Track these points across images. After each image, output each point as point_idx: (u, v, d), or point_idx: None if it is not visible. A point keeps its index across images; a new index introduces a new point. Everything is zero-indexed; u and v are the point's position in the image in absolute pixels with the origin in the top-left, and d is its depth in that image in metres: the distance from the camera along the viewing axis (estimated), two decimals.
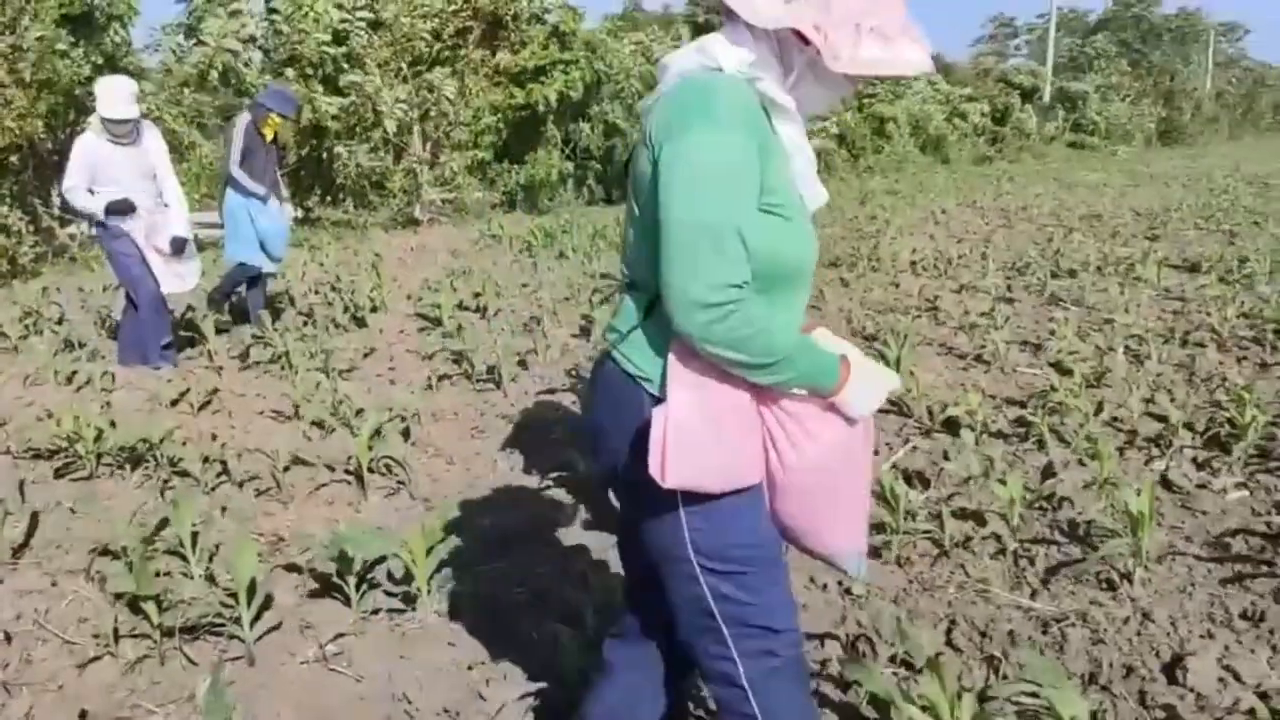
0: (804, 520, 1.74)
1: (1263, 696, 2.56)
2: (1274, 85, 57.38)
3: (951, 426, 4.70)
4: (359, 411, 4.86)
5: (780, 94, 1.60)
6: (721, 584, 1.70)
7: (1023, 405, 5.06)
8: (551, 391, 5.53)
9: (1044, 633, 2.87)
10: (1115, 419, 4.79)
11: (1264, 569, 3.19)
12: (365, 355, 6.42)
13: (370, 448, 4.11)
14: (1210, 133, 43.37)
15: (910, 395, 4.99)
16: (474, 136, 15.51)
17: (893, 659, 2.73)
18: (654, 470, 1.57)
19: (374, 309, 7.70)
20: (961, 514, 3.65)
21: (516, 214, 15.09)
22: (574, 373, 5.77)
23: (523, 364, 6.05)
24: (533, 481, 4.19)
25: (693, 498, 1.64)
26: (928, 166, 24.64)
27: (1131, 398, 4.92)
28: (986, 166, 26.07)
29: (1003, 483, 3.58)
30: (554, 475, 4.19)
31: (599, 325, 6.78)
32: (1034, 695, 2.35)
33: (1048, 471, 4.09)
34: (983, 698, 2.31)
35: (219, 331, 6.87)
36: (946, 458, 4.25)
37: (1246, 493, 3.85)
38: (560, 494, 4.03)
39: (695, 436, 1.59)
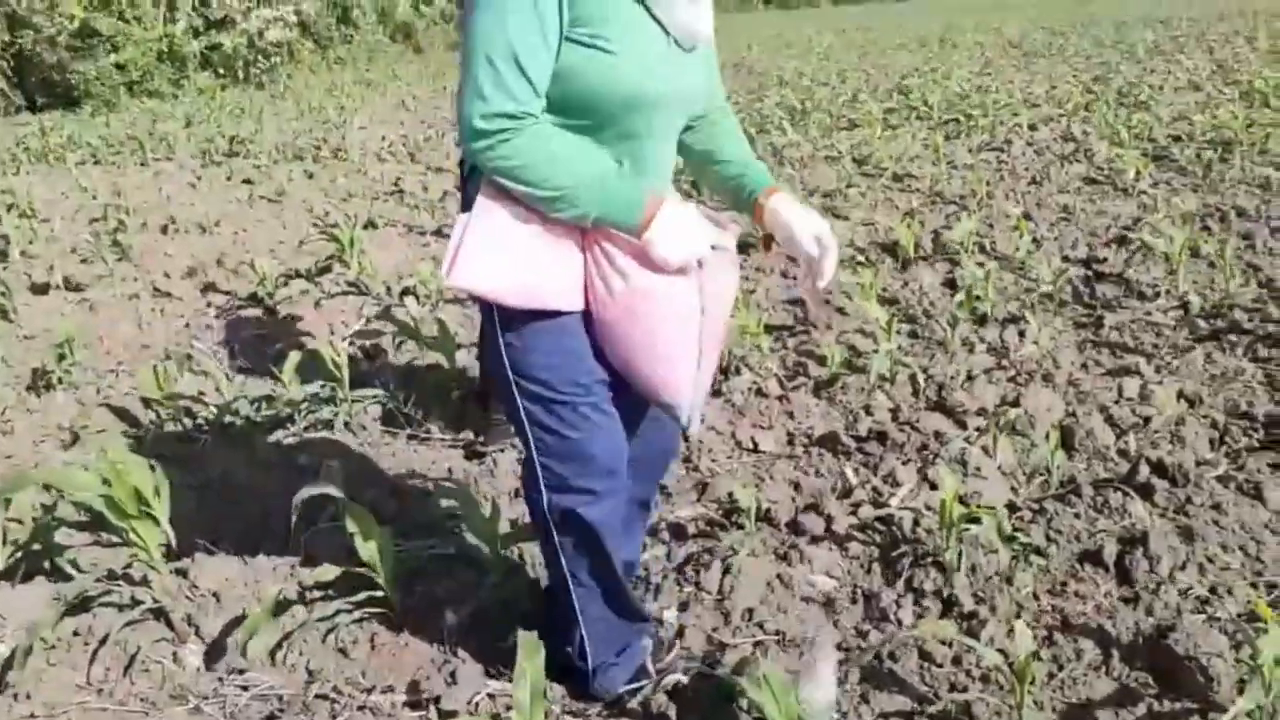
0: (621, 360, 1.73)
1: None
2: None
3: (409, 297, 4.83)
4: None
5: None
6: (536, 408, 1.74)
7: None
8: None
9: (479, 462, 3.11)
10: None
11: None
12: None
13: None
14: None
15: (366, 274, 5.03)
16: None
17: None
18: (444, 269, 1.61)
19: None
20: (409, 375, 3.80)
21: None
22: None
23: None
24: None
25: (506, 317, 1.68)
26: (399, 56, 24.40)
27: None
28: (458, 52, 26.42)
29: (452, 341, 3.79)
30: None
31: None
32: (454, 517, 2.55)
33: None
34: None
35: None
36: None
37: None
38: None
39: (489, 243, 1.60)
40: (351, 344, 4.21)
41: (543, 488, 1.81)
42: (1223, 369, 3.52)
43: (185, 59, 17.29)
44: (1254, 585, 2.30)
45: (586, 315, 1.72)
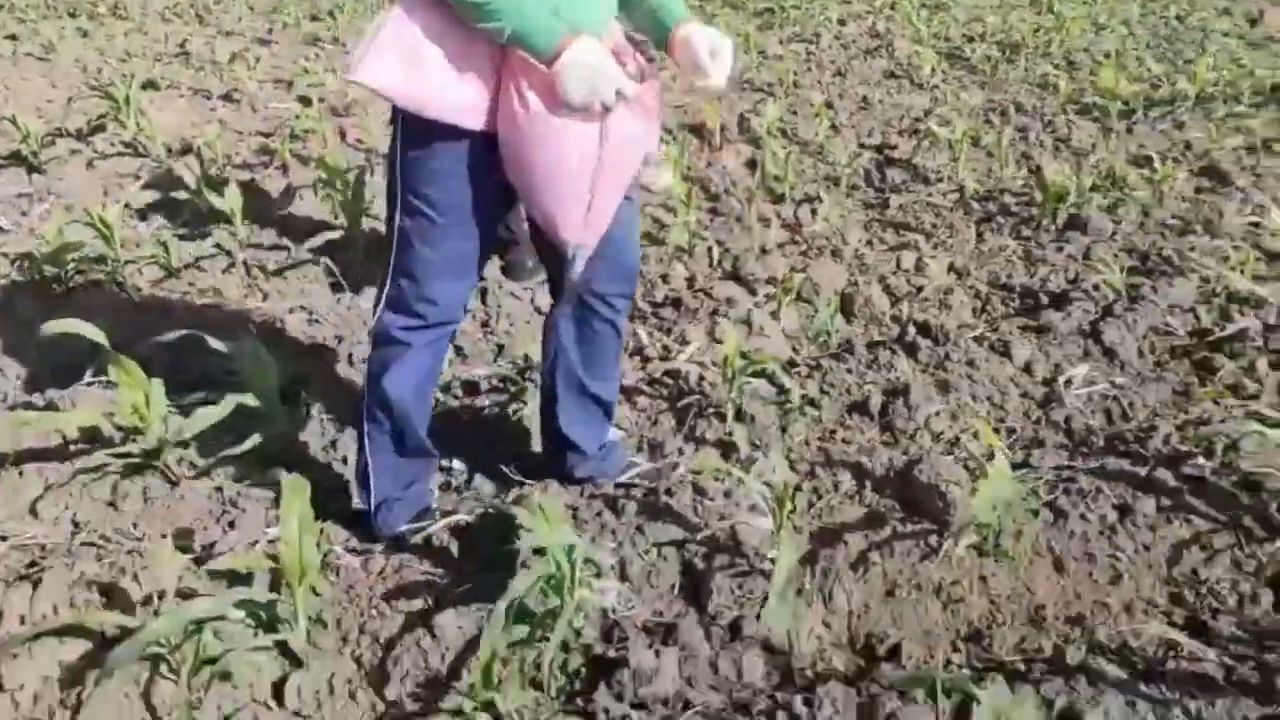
0: (520, 188, 1.80)
1: None
2: None
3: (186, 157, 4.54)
4: None
5: None
6: (409, 220, 1.83)
7: (268, 136, 5.06)
8: None
9: (262, 319, 3.01)
10: (359, 140, 5.03)
11: None
12: None
13: None
14: None
15: (144, 135, 4.68)
16: None
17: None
18: (351, 62, 1.69)
19: None
20: (189, 237, 3.61)
21: None
22: None
23: None
24: None
25: (410, 129, 1.75)
26: None
27: (370, 120, 5.18)
28: None
29: (238, 201, 3.60)
30: None
31: None
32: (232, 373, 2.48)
33: (287, 191, 4.18)
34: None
35: None
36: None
37: None
38: None
39: (400, 46, 1.66)
40: (128, 206, 3.93)
41: (383, 299, 1.92)
42: (990, 246, 3.79)
43: None
44: (997, 430, 2.53)
45: (493, 146, 1.76)
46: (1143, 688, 1.65)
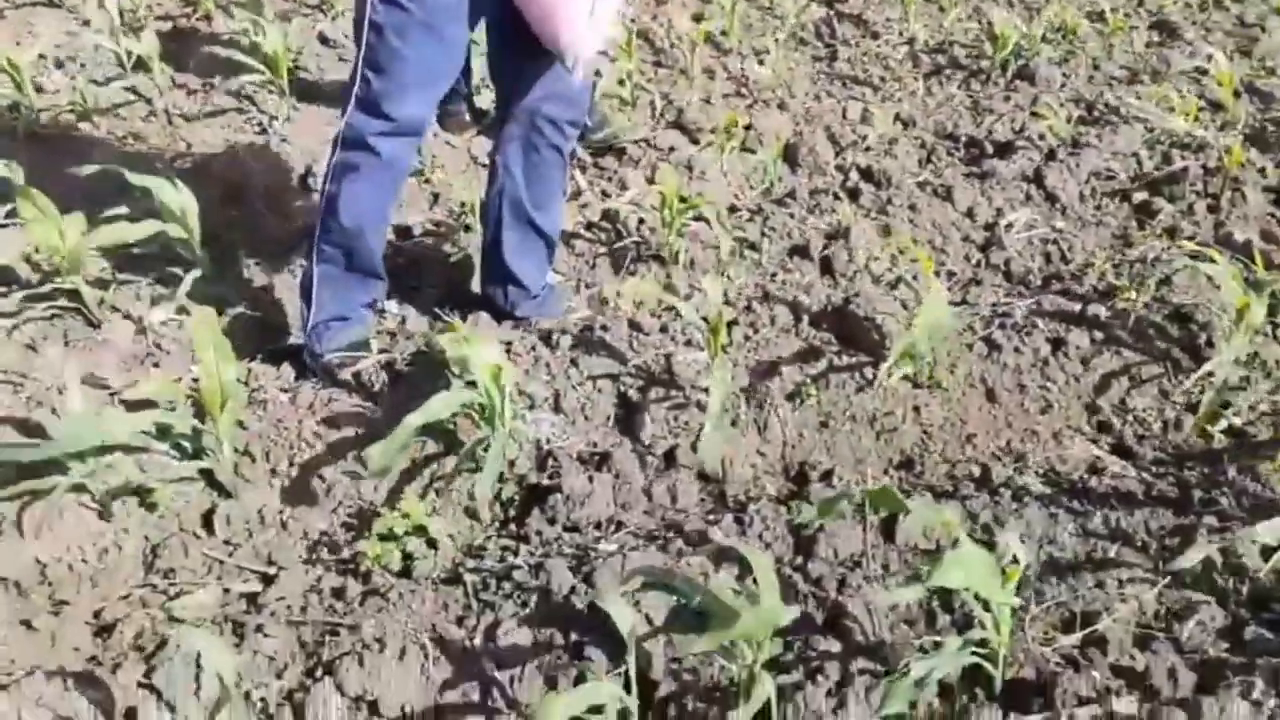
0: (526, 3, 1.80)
1: None
2: None
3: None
4: None
5: None
6: (384, 10, 1.79)
7: None
8: None
9: (188, 169, 2.89)
10: None
11: None
12: None
13: None
14: None
15: None
16: None
17: None
18: None
19: None
20: (107, 84, 3.44)
21: None
22: None
23: None
24: None
25: None
26: None
27: None
28: None
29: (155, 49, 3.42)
30: None
31: None
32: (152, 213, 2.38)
33: (210, 39, 3.98)
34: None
35: None
36: None
37: None
38: None
39: None
40: (42, 56, 3.72)
41: (352, 100, 1.88)
42: (938, 97, 3.73)
43: None
44: (937, 273, 2.52)
45: None
46: (1065, 501, 1.69)
